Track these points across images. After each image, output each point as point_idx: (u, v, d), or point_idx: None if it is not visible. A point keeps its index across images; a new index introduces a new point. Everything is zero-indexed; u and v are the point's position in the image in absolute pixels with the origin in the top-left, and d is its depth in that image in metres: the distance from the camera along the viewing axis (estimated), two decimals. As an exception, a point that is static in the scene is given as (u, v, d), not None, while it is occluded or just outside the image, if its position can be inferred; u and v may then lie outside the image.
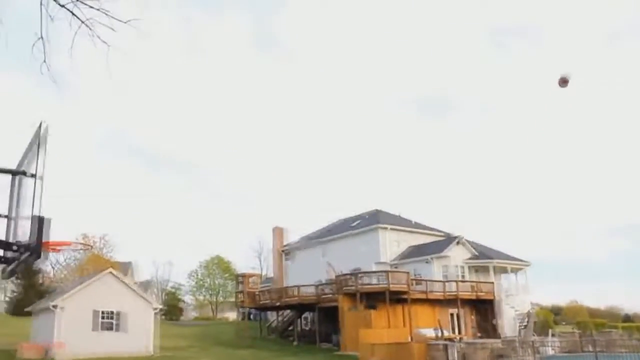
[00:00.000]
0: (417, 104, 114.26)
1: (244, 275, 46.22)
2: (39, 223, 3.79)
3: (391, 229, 45.41)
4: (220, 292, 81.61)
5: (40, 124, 3.99)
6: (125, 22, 9.63)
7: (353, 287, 35.62)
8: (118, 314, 31.50)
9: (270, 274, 66.18)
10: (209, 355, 33.19)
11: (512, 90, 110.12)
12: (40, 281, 61.63)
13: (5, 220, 4.39)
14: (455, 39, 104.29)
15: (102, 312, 31.07)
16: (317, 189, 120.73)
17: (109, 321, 31.30)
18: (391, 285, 34.82)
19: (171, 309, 66.92)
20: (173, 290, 78.84)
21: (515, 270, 45.06)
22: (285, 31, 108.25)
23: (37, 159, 3.89)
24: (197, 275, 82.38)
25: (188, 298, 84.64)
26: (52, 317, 29.96)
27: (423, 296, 36.81)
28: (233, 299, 62.73)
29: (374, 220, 47.03)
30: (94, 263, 57.99)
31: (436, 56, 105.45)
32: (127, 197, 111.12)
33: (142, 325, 31.90)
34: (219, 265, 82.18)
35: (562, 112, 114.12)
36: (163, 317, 56.86)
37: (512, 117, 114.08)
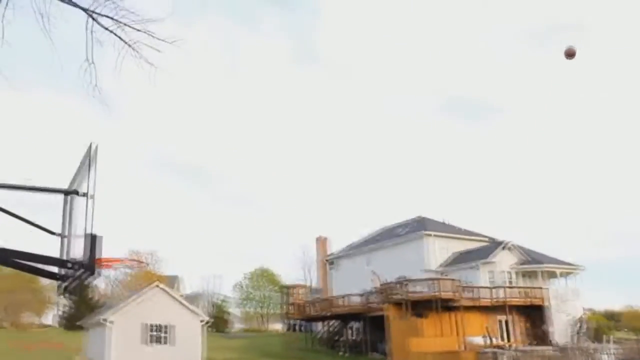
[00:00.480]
0: (459, 107, 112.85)
1: (291, 287, 46.32)
2: (92, 241, 3.87)
3: (436, 235, 44.83)
4: (268, 303, 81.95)
5: (90, 145, 4.08)
6: (170, 43, 9.85)
7: (400, 296, 35.22)
8: (167, 327, 31.96)
9: (316, 285, 66.23)
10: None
11: (555, 90, 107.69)
12: (91, 296, 63.24)
13: (60, 238, 4.51)
14: (491, 40, 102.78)
15: (152, 326, 31.57)
16: (360, 197, 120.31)
17: (159, 334, 31.77)
18: (439, 293, 34.29)
19: (219, 321, 67.41)
20: (220, 302, 79.55)
21: (565, 275, 43.77)
22: (320, 41, 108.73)
23: (88, 178, 3.98)
24: (243, 287, 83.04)
25: (235, 310, 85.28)
26: (103, 331, 30.65)
27: (472, 303, 36.13)
28: (280, 311, 63.03)
29: (419, 227, 46.55)
30: (143, 277, 59.15)
31: (477, 58, 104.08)
32: (173, 211, 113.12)
33: (191, 338, 32.28)
34: (265, 277, 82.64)
35: (608, 109, 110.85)
36: (211, 329, 57.47)
37: (559, 117, 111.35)
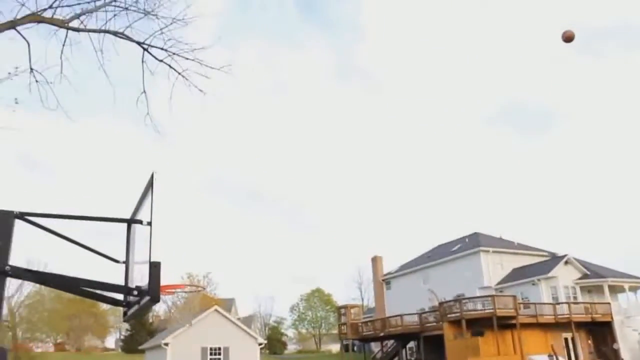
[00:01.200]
0: (512, 120, 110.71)
1: (345, 307, 46.22)
2: (155, 268, 3.96)
3: (493, 251, 43.88)
4: (323, 324, 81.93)
5: (152, 174, 4.19)
6: (218, 69, 10.10)
7: (457, 314, 34.51)
8: (224, 349, 32.30)
9: (372, 304, 65.82)
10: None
11: (614, 99, 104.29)
12: (150, 320, 64.64)
13: (124, 266, 4.63)
14: (548, 50, 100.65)
15: (210, 349, 31.98)
16: (414, 215, 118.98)
17: (217, 357, 32.15)
18: (497, 310, 33.41)
19: (274, 343, 67.83)
20: (275, 324, 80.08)
21: (633, 289, 41.95)
22: (363, 56, 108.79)
23: (151, 207, 4.09)
24: (299, 308, 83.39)
25: (290, 331, 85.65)
26: (163, 354, 31.21)
27: (532, 320, 35.01)
28: (335, 331, 62.86)
29: (474, 243, 45.70)
30: (200, 300, 60.07)
31: (532, 68, 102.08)
32: (226, 234, 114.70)
33: (248, 360, 32.55)
34: (319, 298, 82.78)
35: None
36: (267, 351, 57.72)
37: (618, 126, 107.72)
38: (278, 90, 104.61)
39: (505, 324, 33.79)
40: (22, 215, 4.44)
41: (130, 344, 58.31)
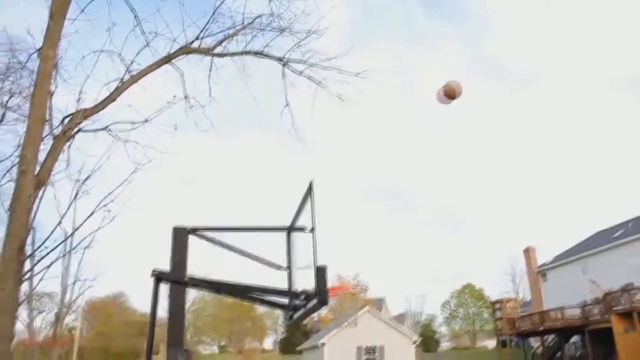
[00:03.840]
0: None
1: (500, 302, 44.66)
2: (321, 272, 4.16)
3: (666, 233, 39.72)
4: (476, 320, 79.84)
5: (311, 182, 4.42)
6: (355, 75, 10.32)
7: (627, 305, 31.81)
8: (379, 348, 32.65)
9: (526, 298, 62.99)
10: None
11: None
12: (305, 322, 67.09)
13: (286, 272, 4.92)
14: None
15: (365, 348, 32.53)
16: (566, 201, 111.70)
17: (372, 356, 32.60)
18: (675, 301, 30.31)
19: (427, 341, 67.22)
20: (427, 321, 79.37)
21: None
22: (504, 53, 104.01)
23: (312, 214, 4.32)
24: (450, 305, 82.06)
25: (443, 328, 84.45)
26: (320, 354, 32.29)
27: None
28: (490, 327, 60.88)
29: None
30: (349, 301, 61.24)
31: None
32: (371, 234, 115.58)
33: (403, 358, 32.60)
34: (470, 294, 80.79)
35: None
36: (420, 349, 57.42)
37: None
38: (410, 91, 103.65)
39: (688, 315, 30.54)
40: (193, 231, 4.92)
41: (287, 346, 60.91)
